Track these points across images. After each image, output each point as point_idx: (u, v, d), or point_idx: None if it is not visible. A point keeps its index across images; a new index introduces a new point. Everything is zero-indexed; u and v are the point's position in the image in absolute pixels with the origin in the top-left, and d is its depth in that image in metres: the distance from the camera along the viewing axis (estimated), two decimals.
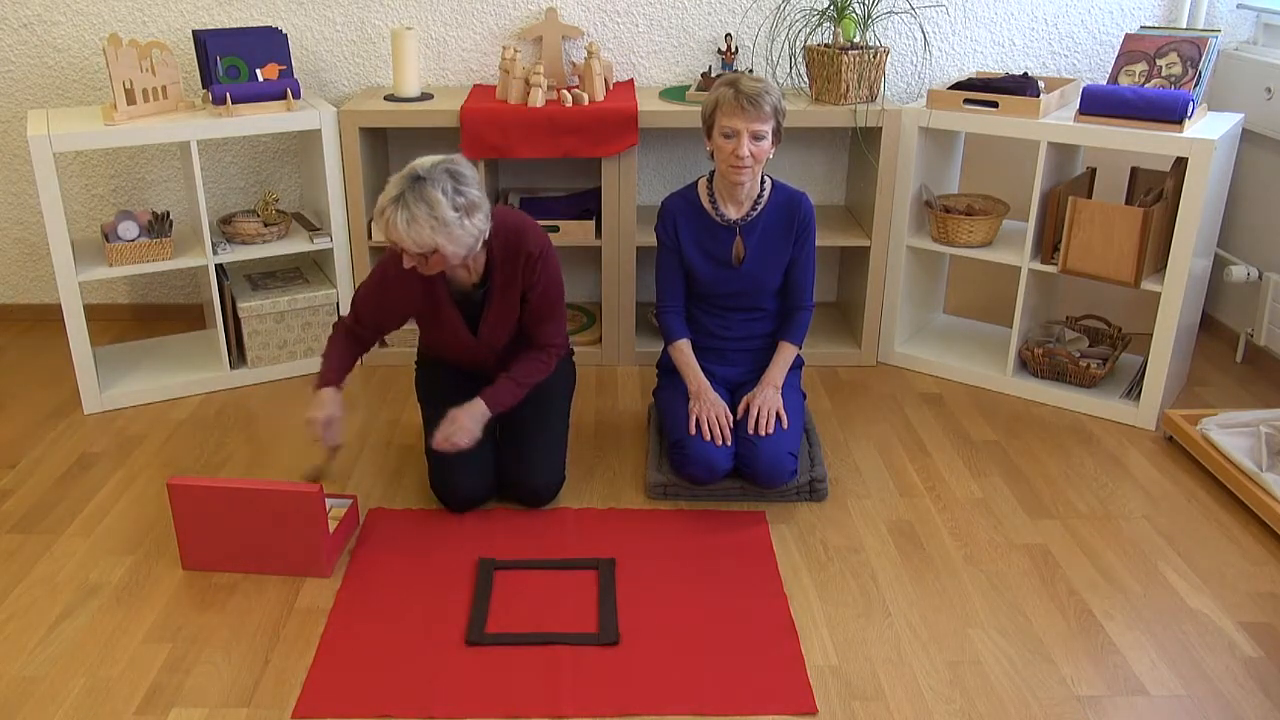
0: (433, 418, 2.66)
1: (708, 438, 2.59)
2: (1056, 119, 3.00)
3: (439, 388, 2.70)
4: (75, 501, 2.66)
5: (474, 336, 2.55)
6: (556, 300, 2.56)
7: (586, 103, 3.17)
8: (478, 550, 2.45)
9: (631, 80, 3.52)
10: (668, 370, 2.82)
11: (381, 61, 3.50)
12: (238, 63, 3.13)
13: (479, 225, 2.30)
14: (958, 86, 3.18)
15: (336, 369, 2.54)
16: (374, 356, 3.42)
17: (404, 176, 2.24)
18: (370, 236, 3.28)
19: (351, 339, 2.60)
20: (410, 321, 2.62)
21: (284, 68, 3.18)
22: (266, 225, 3.25)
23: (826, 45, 3.21)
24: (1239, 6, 3.49)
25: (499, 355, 2.62)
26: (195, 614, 2.25)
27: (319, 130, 3.14)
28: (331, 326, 2.64)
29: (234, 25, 3.40)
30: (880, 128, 3.17)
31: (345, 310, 3.33)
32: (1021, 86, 3.06)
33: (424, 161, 2.27)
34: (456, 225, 2.24)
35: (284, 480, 2.64)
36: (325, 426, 2.45)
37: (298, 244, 3.27)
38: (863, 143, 3.35)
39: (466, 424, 2.48)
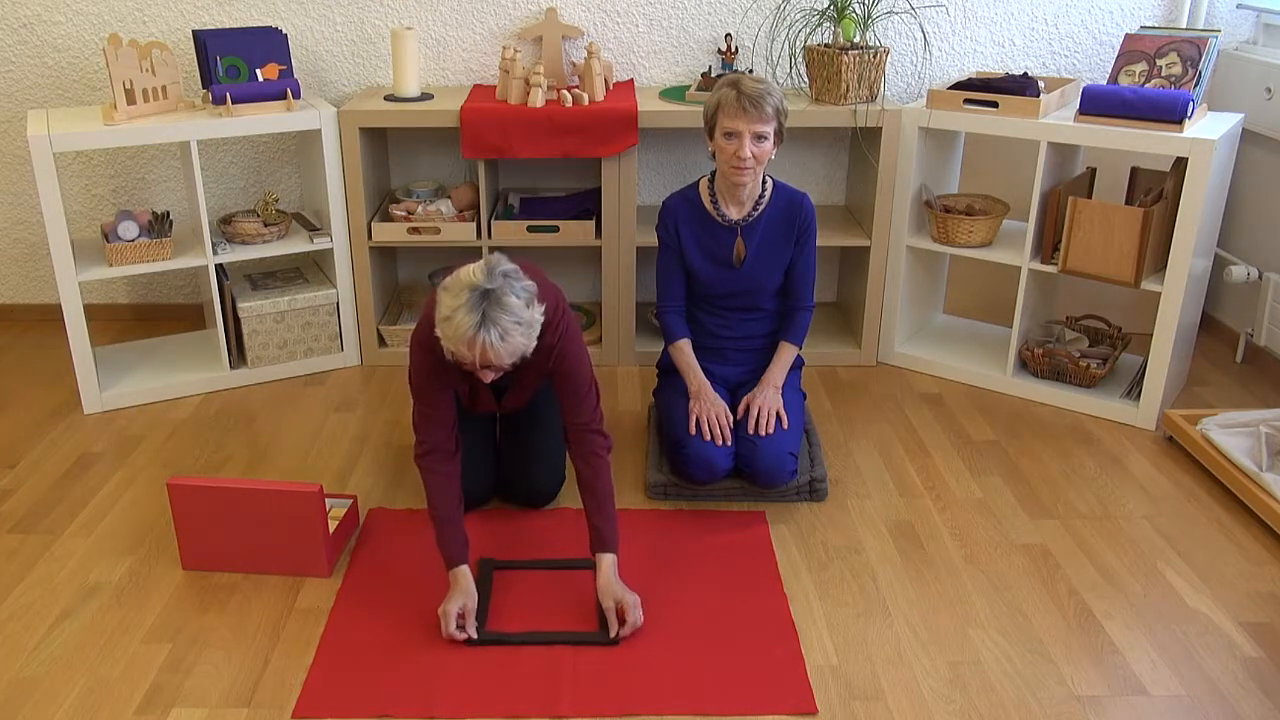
0: None
1: (708, 438, 2.59)
2: (1056, 119, 3.00)
3: None
4: (75, 501, 2.66)
5: (498, 403, 2.50)
6: (587, 379, 2.35)
7: (586, 103, 3.17)
8: (478, 550, 2.45)
9: (631, 80, 3.52)
10: (668, 370, 2.82)
11: (381, 61, 3.50)
12: (238, 63, 3.13)
13: (541, 312, 2.13)
14: (958, 86, 3.18)
15: (456, 530, 2.25)
16: (374, 356, 3.42)
17: (470, 295, 2.02)
18: (370, 236, 3.28)
19: (443, 460, 2.30)
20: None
21: (284, 68, 3.18)
22: (266, 225, 3.25)
23: (826, 45, 3.21)
24: (1239, 6, 3.49)
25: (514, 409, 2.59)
26: (195, 614, 2.25)
27: (319, 130, 3.14)
28: (418, 466, 2.31)
29: (234, 25, 3.40)
30: (880, 128, 3.17)
31: (345, 302, 3.34)
32: (1021, 86, 3.06)
33: (475, 272, 2.05)
34: (537, 324, 2.10)
35: (284, 480, 2.65)
36: (461, 619, 2.17)
37: (298, 244, 3.27)
38: (863, 143, 3.35)
39: (628, 595, 2.22)
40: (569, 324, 2.33)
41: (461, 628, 2.16)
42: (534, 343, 2.11)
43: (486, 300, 2.02)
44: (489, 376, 2.13)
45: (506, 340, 2.04)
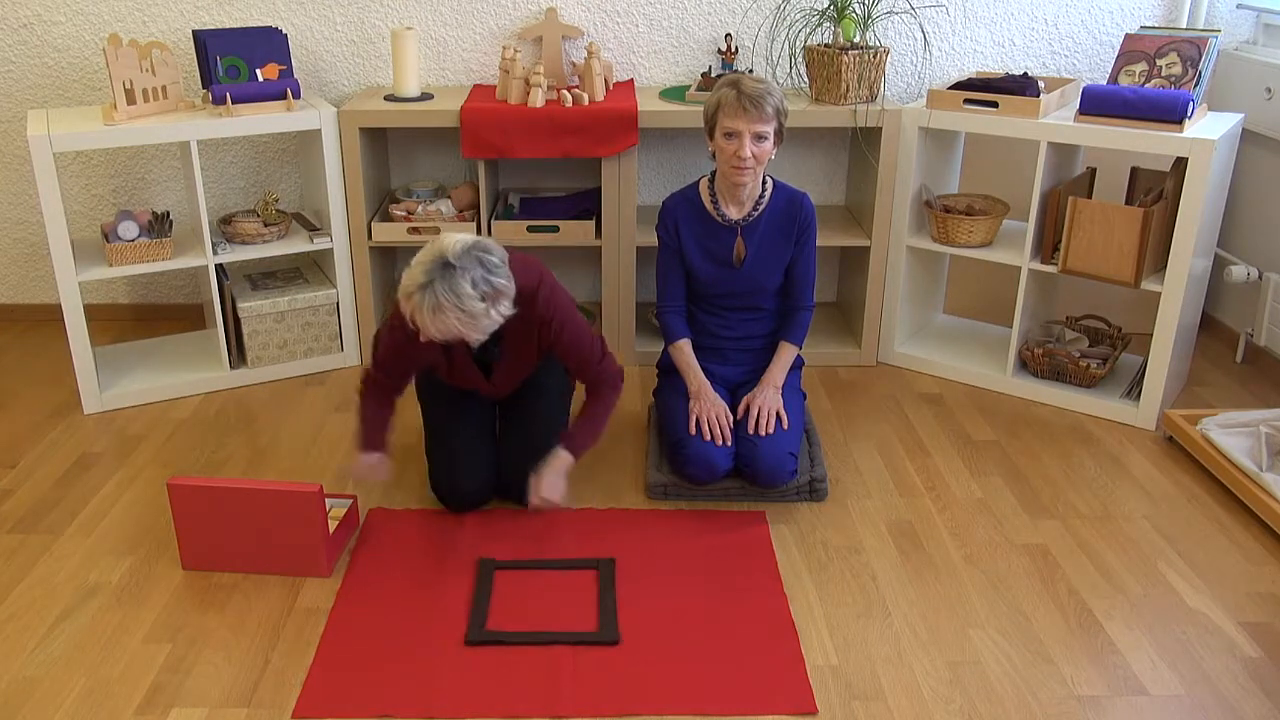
0: (433, 418, 2.67)
1: (708, 438, 2.59)
2: (1056, 119, 3.00)
3: (440, 388, 2.70)
4: (75, 501, 2.66)
5: (488, 381, 2.55)
6: (588, 349, 2.49)
7: (586, 103, 3.17)
8: (478, 550, 2.45)
9: (631, 80, 3.52)
10: (668, 370, 2.82)
11: (381, 61, 3.50)
12: (238, 63, 3.13)
13: (504, 311, 2.24)
14: (958, 86, 3.18)
15: (373, 429, 2.52)
16: None
17: (434, 261, 2.15)
18: (370, 236, 3.28)
19: (380, 391, 2.55)
20: None
21: (284, 68, 3.18)
22: (266, 225, 3.25)
23: (826, 45, 3.21)
24: (1239, 6, 3.49)
25: (508, 390, 2.63)
26: (195, 614, 2.25)
27: (319, 130, 3.14)
28: (359, 394, 2.57)
29: (234, 25, 3.40)
30: (880, 128, 3.17)
31: (345, 302, 3.34)
32: (1021, 86, 3.06)
33: (454, 245, 2.17)
34: (483, 316, 2.18)
35: (284, 480, 2.65)
36: (370, 470, 2.50)
37: (298, 244, 3.27)
38: (863, 143, 3.35)
39: (555, 481, 2.46)
40: (558, 298, 2.43)
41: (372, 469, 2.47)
42: (475, 332, 2.21)
43: (441, 273, 2.13)
44: (426, 338, 2.23)
45: (436, 316, 2.14)
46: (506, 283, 2.21)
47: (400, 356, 2.49)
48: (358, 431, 2.56)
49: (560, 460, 2.48)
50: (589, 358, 2.50)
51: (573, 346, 2.47)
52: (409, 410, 3.09)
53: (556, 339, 2.45)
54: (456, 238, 2.19)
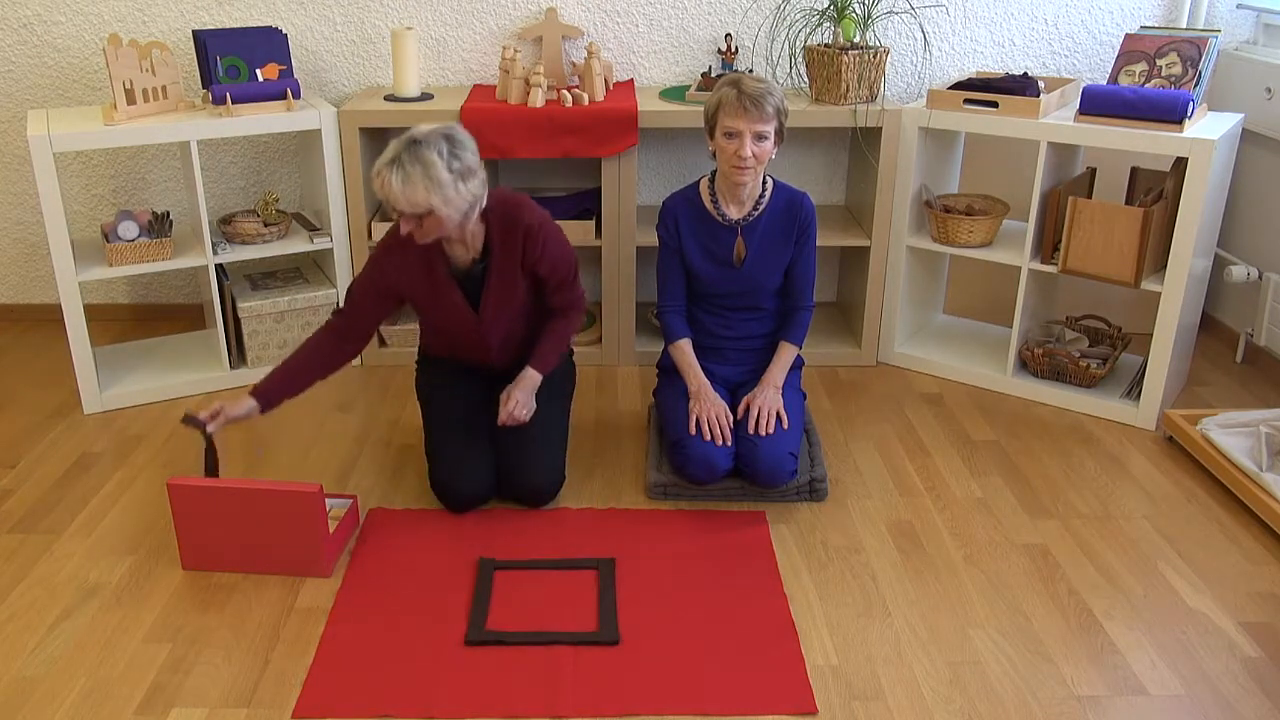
0: (433, 418, 2.67)
1: (708, 438, 2.59)
2: (1056, 119, 3.00)
3: (439, 387, 2.70)
4: (75, 501, 2.66)
5: (475, 315, 2.55)
6: (568, 268, 2.57)
7: (586, 103, 3.17)
8: (478, 550, 2.45)
9: (631, 80, 3.52)
10: (668, 370, 2.82)
11: (381, 61, 3.50)
12: (238, 63, 3.13)
13: (474, 190, 2.33)
14: (958, 86, 3.18)
15: (280, 384, 2.49)
16: (374, 356, 3.42)
17: (401, 140, 2.28)
18: (370, 236, 3.28)
19: (333, 338, 2.54)
20: (411, 318, 2.61)
21: (284, 68, 3.18)
22: (266, 225, 3.25)
23: (826, 45, 3.21)
24: (1239, 6, 3.49)
25: (501, 344, 2.62)
26: (195, 614, 2.25)
27: (319, 130, 3.14)
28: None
29: (234, 25, 3.40)
30: (880, 128, 3.17)
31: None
32: (1021, 86, 3.06)
33: (422, 128, 2.30)
34: (451, 187, 2.27)
35: (284, 480, 2.65)
36: (211, 416, 2.42)
37: (298, 244, 3.27)
38: (863, 143, 3.35)
39: (522, 397, 2.53)
40: (551, 225, 2.52)
41: (210, 416, 2.41)
42: (445, 206, 2.28)
43: (410, 147, 2.25)
44: (405, 228, 2.33)
45: (407, 186, 2.24)
46: (475, 162, 2.33)
47: (375, 281, 2.52)
48: (267, 373, 2.50)
49: (529, 378, 2.57)
50: (567, 278, 2.58)
51: (557, 262, 2.53)
52: (409, 410, 3.09)
53: (543, 252, 2.49)
54: (426, 125, 2.31)
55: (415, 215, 2.29)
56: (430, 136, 2.27)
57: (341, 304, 2.58)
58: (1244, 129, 3.18)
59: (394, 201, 2.27)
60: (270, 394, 2.48)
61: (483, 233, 2.48)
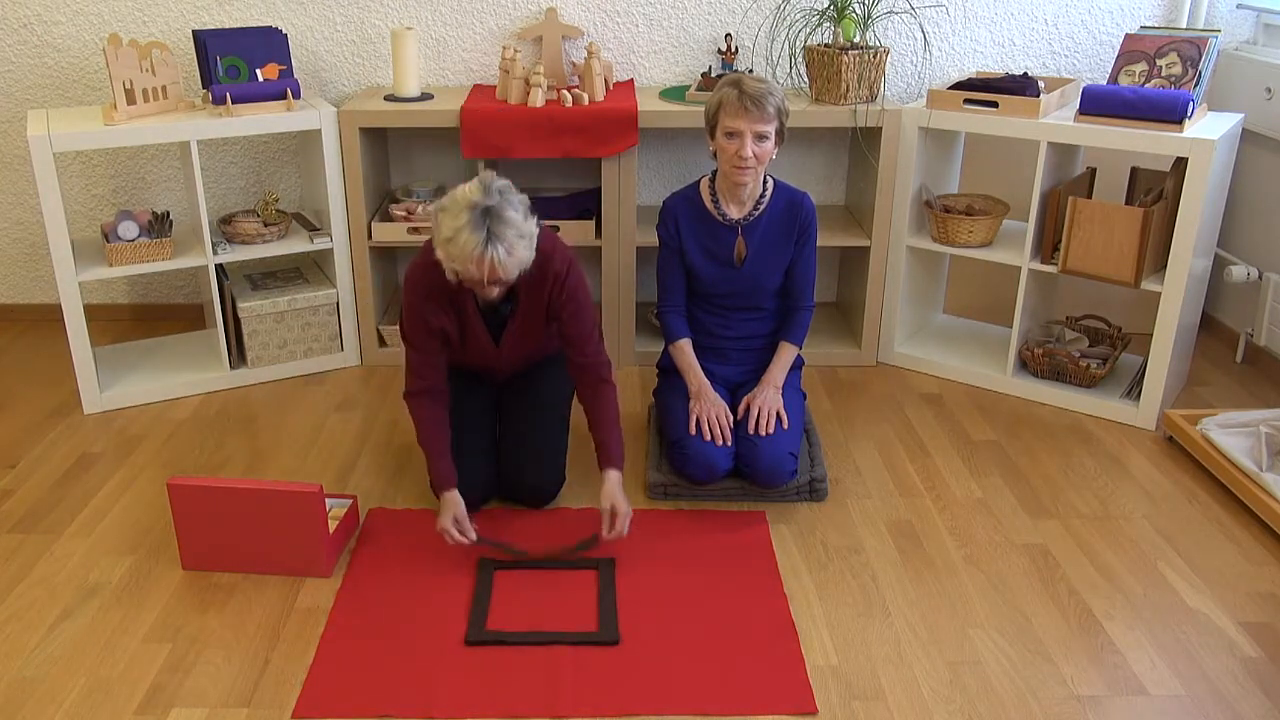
0: None
1: (708, 438, 2.59)
2: (1056, 119, 3.00)
3: None
4: (75, 501, 2.66)
5: (496, 347, 2.54)
6: (588, 318, 2.49)
7: (586, 103, 3.17)
8: (478, 550, 2.45)
9: (631, 80, 3.52)
10: (668, 370, 2.82)
11: (381, 61, 3.50)
12: (238, 63, 3.13)
13: (535, 224, 2.28)
14: (958, 86, 3.18)
15: (447, 464, 2.42)
16: (374, 356, 3.42)
17: (470, 211, 2.16)
18: (370, 236, 3.28)
19: (431, 400, 2.45)
20: None
21: (284, 68, 3.18)
22: (266, 225, 3.25)
23: (826, 45, 3.21)
24: (1239, 6, 3.49)
25: (513, 365, 2.63)
26: (195, 614, 2.25)
27: (319, 130, 3.14)
28: (408, 404, 2.46)
29: (234, 25, 3.40)
30: (880, 128, 3.17)
31: (345, 302, 3.33)
32: (1021, 86, 3.06)
33: (476, 187, 2.19)
34: (530, 239, 2.23)
35: (284, 480, 2.64)
36: (459, 529, 2.36)
37: (298, 244, 3.27)
38: (863, 143, 3.35)
39: (624, 505, 2.40)
40: (578, 270, 2.47)
41: (463, 533, 2.35)
42: (534, 253, 2.26)
43: (489, 217, 2.16)
44: (493, 292, 2.29)
45: (513, 254, 2.19)
46: (524, 195, 2.28)
47: (426, 332, 2.43)
48: (428, 462, 2.43)
49: (615, 482, 2.43)
50: (588, 334, 2.49)
51: (578, 314, 2.46)
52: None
53: (568, 299, 2.44)
54: (463, 187, 2.21)
55: (509, 280, 2.24)
56: (490, 193, 2.18)
57: (412, 371, 2.45)
58: (1244, 129, 3.18)
59: (501, 276, 2.20)
60: (451, 476, 2.42)
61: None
